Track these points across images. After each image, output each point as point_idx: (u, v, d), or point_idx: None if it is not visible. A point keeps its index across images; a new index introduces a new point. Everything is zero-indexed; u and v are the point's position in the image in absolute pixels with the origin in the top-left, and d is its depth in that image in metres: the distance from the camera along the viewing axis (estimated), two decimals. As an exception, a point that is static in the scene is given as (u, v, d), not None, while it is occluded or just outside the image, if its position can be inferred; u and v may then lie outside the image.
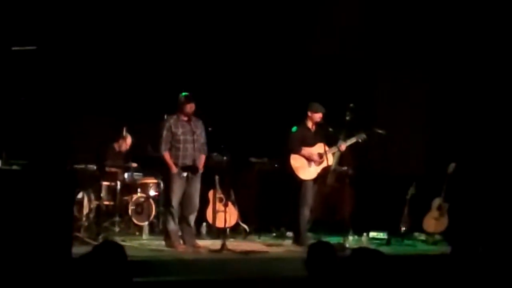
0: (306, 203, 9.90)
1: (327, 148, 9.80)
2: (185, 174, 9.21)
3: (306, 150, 9.89)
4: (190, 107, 9.21)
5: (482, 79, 11.33)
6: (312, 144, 9.93)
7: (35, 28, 10.02)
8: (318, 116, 9.94)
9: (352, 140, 10.10)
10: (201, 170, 9.33)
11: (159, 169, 9.69)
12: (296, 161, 9.88)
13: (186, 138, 9.23)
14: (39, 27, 10.08)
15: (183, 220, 9.29)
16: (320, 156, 9.86)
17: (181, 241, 9.28)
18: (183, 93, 9.26)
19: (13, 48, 9.61)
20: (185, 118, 9.27)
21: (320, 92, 10.92)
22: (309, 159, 9.87)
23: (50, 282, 6.43)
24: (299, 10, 11.92)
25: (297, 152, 9.87)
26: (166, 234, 9.34)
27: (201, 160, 9.36)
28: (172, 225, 9.25)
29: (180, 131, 9.21)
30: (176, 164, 9.17)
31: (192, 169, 9.23)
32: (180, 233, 9.39)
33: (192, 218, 9.34)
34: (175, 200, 9.19)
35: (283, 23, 11.90)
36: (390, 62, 11.97)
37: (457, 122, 11.54)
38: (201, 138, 9.37)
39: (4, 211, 6.87)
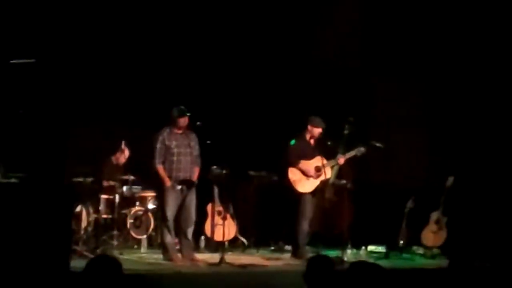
0: (305, 216, 9.88)
1: (325, 161, 9.80)
2: (179, 187, 9.19)
3: (303, 164, 9.88)
4: (183, 121, 9.22)
5: (481, 92, 11.33)
6: (310, 157, 9.92)
7: (33, 41, 10.02)
8: (318, 131, 9.95)
9: (351, 154, 10.06)
10: (195, 182, 9.33)
11: (153, 182, 9.66)
12: (293, 174, 9.87)
13: (180, 151, 9.22)
14: (37, 40, 10.09)
15: (181, 233, 9.26)
16: (318, 169, 9.86)
17: (179, 254, 9.27)
18: (180, 107, 9.26)
19: (12, 61, 9.60)
20: (179, 131, 9.27)
21: (318, 105, 10.93)
22: (306, 173, 9.86)
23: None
24: (297, 24, 11.95)
25: (295, 165, 9.86)
26: (163, 248, 9.32)
27: (196, 172, 9.36)
28: (169, 238, 9.23)
29: (173, 143, 9.20)
30: (170, 177, 9.16)
31: (187, 183, 9.22)
32: (178, 246, 9.38)
33: (190, 231, 9.31)
34: (170, 213, 9.17)
35: (282, 37, 11.93)
36: (389, 76, 11.98)
37: (455, 136, 11.54)
38: (195, 151, 9.36)
39: (2, 224, 6.85)
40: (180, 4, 11.58)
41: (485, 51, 11.29)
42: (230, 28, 11.81)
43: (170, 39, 11.60)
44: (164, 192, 9.18)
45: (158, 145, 9.18)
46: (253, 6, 11.84)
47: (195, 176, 9.31)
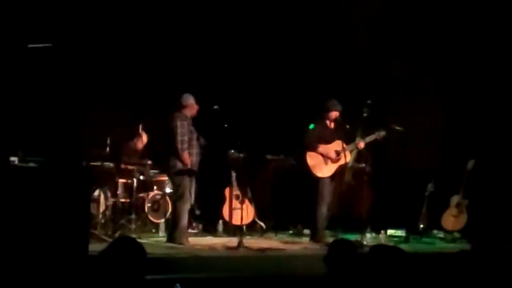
0: (324, 200, 9.85)
1: (344, 146, 9.73)
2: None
3: (322, 148, 9.83)
4: (197, 110, 9.42)
5: (501, 74, 11.23)
6: (329, 142, 9.87)
7: (50, 25, 10.00)
8: (334, 114, 9.89)
9: (371, 138, 10.01)
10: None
11: (168, 166, 9.60)
12: (312, 158, 9.82)
13: (193, 136, 9.39)
14: (54, 24, 10.06)
15: None
16: (337, 153, 9.81)
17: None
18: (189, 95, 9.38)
19: (29, 46, 9.59)
20: (190, 118, 9.39)
21: (337, 88, 10.86)
22: (325, 157, 9.81)
23: (67, 279, 6.41)
24: (315, 6, 11.86)
25: (314, 149, 9.81)
26: (177, 230, 9.31)
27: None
28: (185, 222, 9.31)
29: (187, 130, 9.28)
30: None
31: (194, 172, 9.46)
32: (196, 230, 9.48)
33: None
34: (189, 197, 9.34)
35: (301, 20, 11.84)
36: (407, 58, 11.88)
37: (476, 118, 11.44)
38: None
39: (21, 209, 6.85)
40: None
41: (504, 30, 11.18)
42: (249, 10, 11.74)
43: (189, 23, 11.54)
44: (184, 177, 9.27)
45: (184, 130, 9.23)
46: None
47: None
